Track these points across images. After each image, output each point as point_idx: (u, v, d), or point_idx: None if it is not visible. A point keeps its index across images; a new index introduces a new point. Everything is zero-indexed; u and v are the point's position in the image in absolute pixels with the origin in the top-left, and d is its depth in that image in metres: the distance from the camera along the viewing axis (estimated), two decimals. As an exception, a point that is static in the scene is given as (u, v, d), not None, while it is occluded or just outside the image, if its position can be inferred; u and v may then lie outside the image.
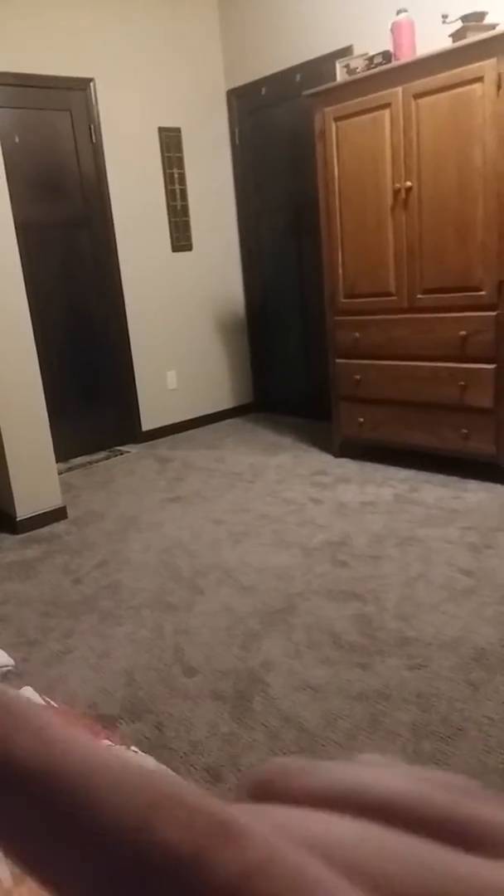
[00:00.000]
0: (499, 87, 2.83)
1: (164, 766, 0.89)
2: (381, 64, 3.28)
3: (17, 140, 3.97)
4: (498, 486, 3.25)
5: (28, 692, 0.97)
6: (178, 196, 4.66)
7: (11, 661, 1.23)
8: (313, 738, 1.72)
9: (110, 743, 0.87)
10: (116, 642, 2.25)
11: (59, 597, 2.60)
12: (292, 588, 2.49)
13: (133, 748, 0.90)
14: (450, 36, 3.10)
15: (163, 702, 1.92)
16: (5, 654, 1.22)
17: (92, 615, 2.44)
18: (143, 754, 0.89)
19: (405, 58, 3.17)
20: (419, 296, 3.31)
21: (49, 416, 3.34)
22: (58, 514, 3.36)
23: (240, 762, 1.66)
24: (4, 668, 1.20)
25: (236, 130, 4.82)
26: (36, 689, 1.13)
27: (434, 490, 3.30)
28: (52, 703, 0.98)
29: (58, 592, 2.64)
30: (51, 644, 2.28)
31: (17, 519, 3.24)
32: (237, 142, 4.84)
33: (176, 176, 4.63)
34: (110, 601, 2.53)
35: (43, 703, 0.95)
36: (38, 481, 3.30)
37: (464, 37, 2.96)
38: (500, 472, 3.26)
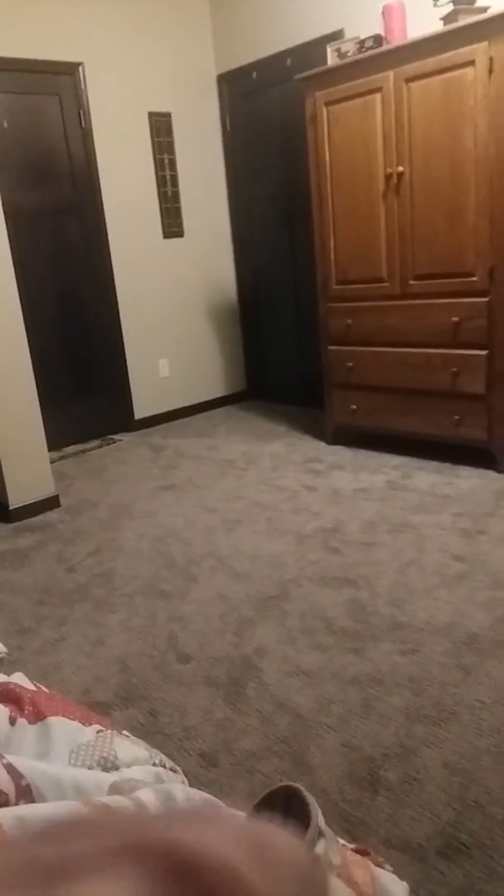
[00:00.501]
0: (490, 71, 2.81)
1: (157, 751, 0.89)
2: (372, 48, 3.26)
3: (5, 125, 3.93)
4: (490, 473, 3.25)
5: (18, 678, 0.97)
6: (169, 182, 4.63)
7: (5, 649, 1.23)
8: (307, 723, 1.73)
9: (101, 728, 0.87)
10: (110, 630, 2.26)
11: (52, 585, 2.60)
12: (286, 575, 2.50)
13: (125, 732, 0.91)
14: (441, 19, 3.07)
15: (157, 688, 1.93)
16: (-2, 642, 1.22)
17: (85, 603, 2.44)
18: (136, 739, 0.89)
19: (396, 41, 3.15)
20: (411, 282, 3.30)
21: (41, 404, 3.32)
22: (51, 503, 3.36)
23: (234, 748, 1.67)
24: (-3, 656, 1.20)
25: (227, 115, 4.78)
26: (29, 677, 1.13)
27: (427, 476, 3.31)
28: (44, 688, 0.98)
29: (51, 581, 2.64)
30: (45, 632, 2.28)
31: (10, 508, 3.23)
32: (228, 127, 4.80)
33: (167, 161, 4.59)
34: (104, 589, 2.53)
35: (33, 688, 0.95)
36: (30, 470, 3.29)
37: (455, 20, 2.93)
38: (492, 459, 3.27)
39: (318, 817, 0.47)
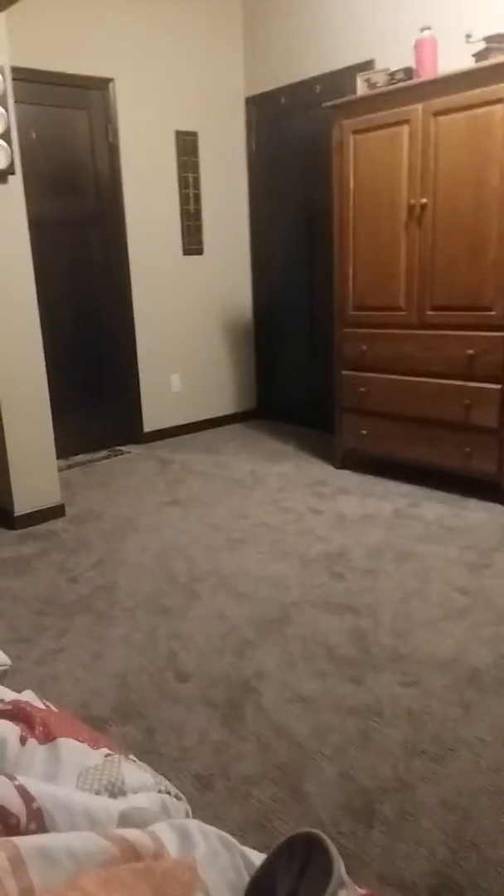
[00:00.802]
0: (518, 110, 2.84)
1: (162, 777, 0.88)
2: (402, 80, 3.30)
3: (34, 136, 3.98)
4: (498, 506, 3.25)
5: (28, 695, 0.97)
6: (192, 200, 4.67)
7: (8, 661, 1.23)
8: (304, 751, 1.72)
9: (109, 752, 0.87)
10: (110, 644, 2.25)
11: (54, 595, 2.60)
12: (288, 598, 2.49)
13: (132, 757, 0.90)
14: (473, 56, 3.12)
15: (154, 706, 1.92)
16: (2, 654, 1.22)
17: (86, 615, 2.44)
18: (142, 764, 0.89)
19: (427, 75, 3.19)
20: (429, 312, 3.32)
21: (52, 412, 3.34)
22: (56, 512, 3.36)
23: (229, 771, 1.66)
24: (2, 668, 1.20)
25: (253, 137, 4.83)
26: (28, 687, 1.13)
27: (434, 507, 3.30)
28: (53, 707, 0.98)
29: (53, 590, 2.63)
30: (44, 642, 2.27)
31: (15, 514, 3.24)
32: (253, 149, 4.85)
33: (191, 180, 4.64)
34: (105, 602, 2.53)
35: (43, 706, 0.95)
36: (37, 477, 3.30)
37: (486, 57, 2.97)
38: (501, 492, 3.26)
39: (340, 867, 0.47)
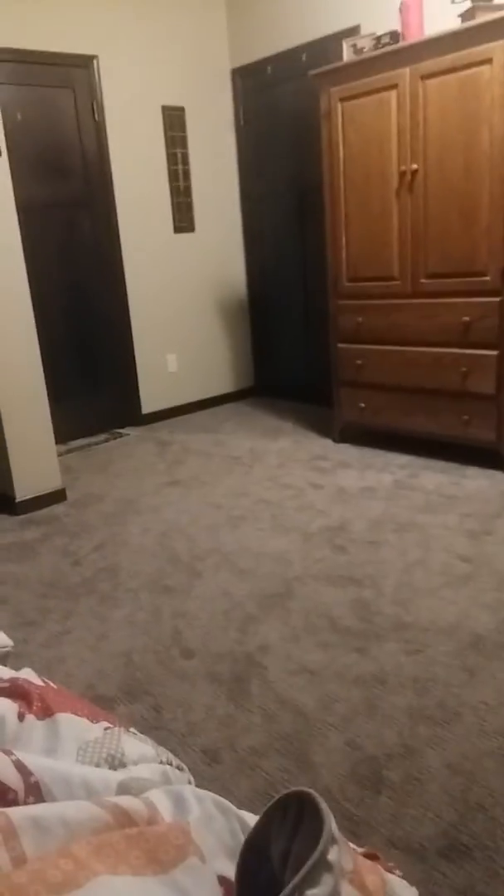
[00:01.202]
0: (507, 70, 2.79)
1: (163, 748, 0.89)
2: (388, 44, 3.24)
3: (18, 117, 3.93)
4: (498, 473, 3.24)
5: (27, 673, 0.98)
6: (181, 176, 4.62)
7: (10, 642, 1.23)
8: (310, 722, 1.73)
9: (109, 725, 0.87)
10: (114, 624, 2.26)
11: (57, 578, 2.61)
12: (290, 572, 2.50)
13: (132, 730, 0.91)
14: (458, 16, 3.06)
15: (160, 683, 1.93)
16: (4, 636, 1.23)
17: (90, 597, 2.45)
18: (143, 736, 0.89)
19: (413, 38, 3.13)
20: (423, 280, 3.29)
21: (49, 397, 3.33)
22: (57, 496, 3.36)
23: (237, 744, 1.67)
24: (4, 649, 1.20)
25: (241, 110, 4.76)
26: (34, 670, 1.13)
27: (434, 476, 3.30)
28: (52, 684, 0.98)
29: (56, 574, 2.64)
30: (49, 625, 2.29)
31: (16, 500, 3.24)
32: (242, 122, 4.78)
33: (179, 156, 4.58)
34: (108, 583, 2.53)
35: (42, 683, 0.95)
36: (37, 463, 3.30)
37: (473, 17, 2.91)
38: (501, 459, 3.26)
39: (332, 824, 0.47)
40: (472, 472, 3.30)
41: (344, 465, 3.59)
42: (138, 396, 4.70)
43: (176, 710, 1.81)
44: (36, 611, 2.38)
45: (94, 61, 4.13)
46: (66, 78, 4.07)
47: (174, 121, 4.51)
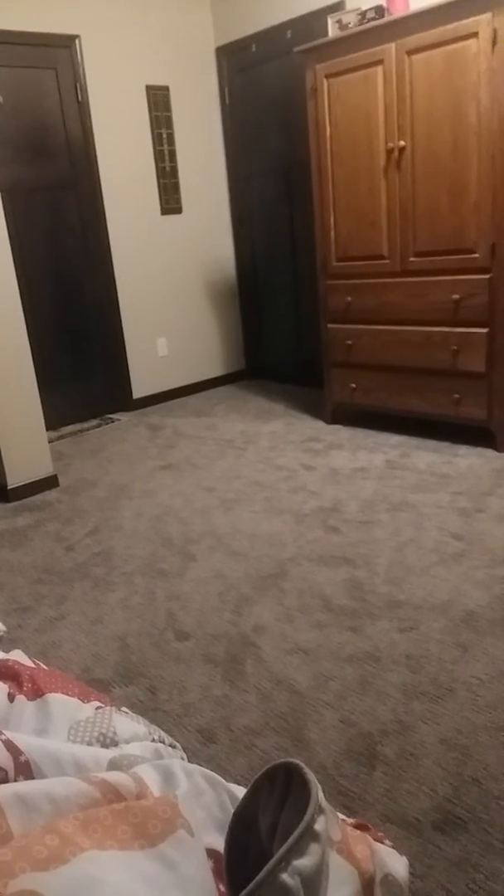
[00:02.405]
0: (494, 43, 2.76)
1: (156, 727, 0.89)
2: (373, 19, 3.20)
3: (0, 100, 3.87)
4: (489, 451, 3.25)
5: (17, 654, 0.97)
6: (167, 157, 4.57)
7: (4, 628, 1.23)
8: (304, 700, 1.74)
9: (100, 704, 0.87)
10: (109, 608, 2.26)
11: (51, 564, 2.61)
12: (284, 554, 2.50)
13: (123, 709, 0.91)
14: (444, -11, 3.01)
15: (155, 666, 1.94)
16: (-4, 620, 1.22)
17: (84, 582, 2.45)
18: (135, 715, 0.89)
19: (399, 12, 3.09)
20: (412, 259, 3.27)
21: (39, 384, 3.31)
22: (49, 483, 3.35)
23: (232, 724, 1.68)
24: (-4, 634, 1.20)
25: (226, 89, 4.70)
26: (29, 655, 1.13)
27: (425, 455, 3.30)
28: (43, 665, 0.98)
29: (50, 560, 2.64)
30: (44, 610, 2.29)
31: (8, 487, 3.23)
32: (227, 101, 4.73)
33: (164, 136, 4.53)
34: (102, 568, 2.53)
35: (32, 665, 0.95)
36: (28, 450, 3.28)
37: (459, -10, 2.87)
38: (492, 437, 3.26)
39: (319, 793, 0.47)
40: (464, 450, 3.31)
41: (336, 446, 3.59)
42: (129, 381, 4.68)
43: (171, 692, 1.82)
44: (30, 596, 2.38)
45: (77, 41, 4.06)
46: (49, 58, 4.01)
47: (159, 100, 4.46)
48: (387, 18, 3.08)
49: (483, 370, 3.15)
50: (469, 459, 3.19)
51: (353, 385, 3.70)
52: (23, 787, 0.50)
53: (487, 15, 2.76)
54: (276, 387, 4.96)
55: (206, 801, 0.58)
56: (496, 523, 2.56)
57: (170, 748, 0.84)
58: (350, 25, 3.31)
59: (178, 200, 4.67)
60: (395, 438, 3.58)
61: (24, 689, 0.82)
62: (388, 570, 2.32)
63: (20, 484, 3.26)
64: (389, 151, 3.21)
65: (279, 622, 2.09)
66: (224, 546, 2.61)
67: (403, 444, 3.48)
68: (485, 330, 3.10)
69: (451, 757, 1.52)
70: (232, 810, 0.58)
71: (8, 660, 0.90)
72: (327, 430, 3.84)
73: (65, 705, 0.81)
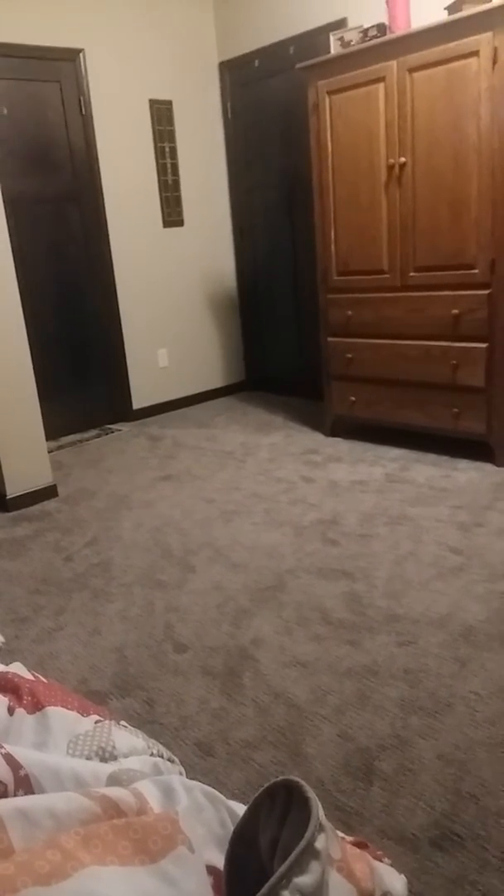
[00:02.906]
0: (494, 62, 2.80)
1: (154, 741, 0.89)
2: (375, 37, 3.23)
3: (4, 112, 3.90)
4: (488, 465, 3.26)
5: (17, 667, 0.98)
6: (170, 170, 4.60)
7: (2, 639, 1.23)
8: (302, 714, 1.74)
9: (100, 718, 0.87)
10: (107, 619, 2.26)
11: (49, 574, 2.60)
12: (283, 566, 2.50)
13: (123, 723, 0.91)
14: (445, 9, 3.05)
15: (153, 678, 1.93)
16: (-5, 631, 1.22)
17: (83, 593, 2.45)
18: (134, 729, 0.89)
19: (400, 31, 3.12)
20: (412, 274, 3.29)
21: (39, 394, 3.32)
22: (48, 493, 3.36)
23: (230, 737, 1.68)
24: (-6, 645, 1.20)
25: (229, 104, 4.75)
26: (26, 666, 1.13)
27: (425, 469, 3.31)
28: (42, 678, 0.98)
29: (49, 570, 2.64)
30: (42, 621, 2.28)
31: (8, 497, 3.23)
32: (230, 115, 4.77)
33: (167, 150, 4.57)
34: (101, 579, 2.53)
35: (32, 677, 0.95)
36: (28, 459, 3.29)
37: (459, 9, 2.91)
38: (491, 452, 3.27)
39: (319, 811, 0.48)
40: (463, 464, 3.32)
41: (335, 458, 3.59)
42: (129, 392, 4.69)
43: (169, 704, 1.82)
44: (28, 607, 2.38)
45: (81, 55, 4.10)
46: (53, 72, 4.05)
47: (162, 114, 4.50)
48: (388, 36, 3.12)
49: (482, 385, 3.16)
50: (468, 473, 3.20)
51: (353, 398, 3.71)
52: (24, 801, 0.50)
53: (488, 34, 2.79)
54: (276, 399, 4.97)
55: (207, 818, 0.58)
56: (495, 537, 2.56)
57: (168, 762, 0.84)
58: (352, 43, 3.34)
59: (180, 213, 4.70)
60: (395, 452, 3.59)
61: (24, 702, 0.82)
62: (386, 583, 2.32)
63: (19, 494, 3.26)
64: (390, 167, 3.23)
65: (278, 635, 2.08)
66: (223, 558, 2.61)
67: (403, 458, 3.49)
68: (484, 345, 3.11)
69: (449, 773, 1.52)
70: (232, 827, 0.58)
71: (7, 672, 0.90)
72: (327, 443, 3.85)
73: (64, 719, 0.82)
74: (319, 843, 0.46)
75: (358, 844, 0.65)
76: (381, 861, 0.64)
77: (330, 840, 0.49)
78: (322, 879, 0.46)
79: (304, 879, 0.44)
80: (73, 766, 0.66)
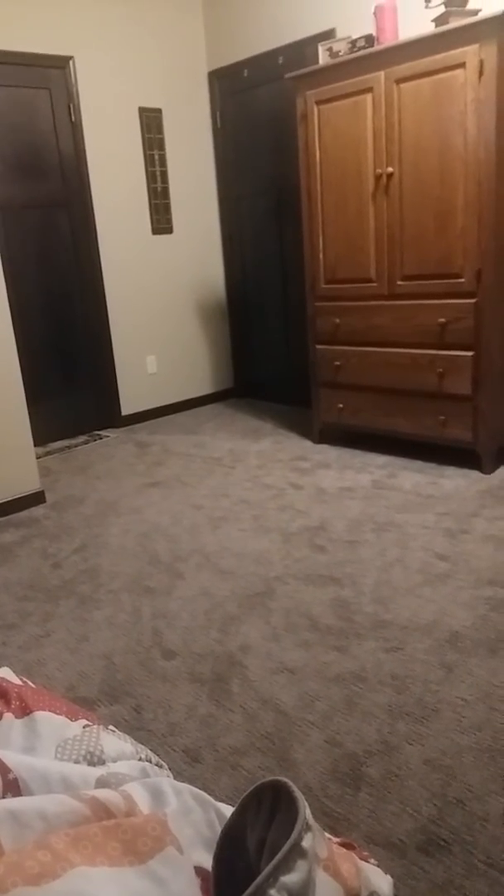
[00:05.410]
0: (480, 74, 2.83)
1: (143, 746, 0.89)
2: (363, 48, 3.27)
3: (-6, 118, 3.90)
4: (474, 473, 3.28)
5: (5, 672, 0.98)
6: (159, 178, 4.62)
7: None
8: (290, 720, 1.74)
9: (88, 723, 0.87)
10: (95, 626, 2.25)
11: (37, 581, 2.59)
12: (271, 572, 2.51)
13: (111, 727, 0.91)
14: (432, 21, 3.09)
15: (141, 684, 1.93)
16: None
17: (70, 599, 2.44)
18: (122, 734, 0.90)
19: (388, 42, 3.16)
20: (399, 282, 3.32)
21: (27, 399, 3.31)
22: (36, 499, 3.35)
23: (218, 744, 1.68)
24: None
25: (218, 112, 4.77)
26: (14, 672, 1.13)
27: (412, 476, 3.33)
28: (31, 683, 0.98)
29: (36, 576, 2.63)
30: (29, 628, 2.27)
31: (-5, 503, 3.22)
32: (219, 124, 4.79)
33: (157, 157, 4.58)
34: (89, 585, 2.53)
35: (20, 682, 0.95)
36: (16, 465, 3.28)
37: (446, 22, 2.95)
38: (477, 459, 3.30)
39: (306, 811, 0.48)
40: (450, 471, 3.34)
41: (323, 465, 3.61)
42: (118, 398, 4.69)
43: (157, 711, 1.82)
44: (15, 613, 2.37)
45: (71, 62, 4.11)
46: (42, 79, 4.06)
47: (151, 122, 4.51)
48: (376, 47, 3.15)
49: (469, 393, 3.19)
50: (455, 480, 3.22)
51: (341, 405, 3.73)
52: (14, 803, 0.51)
53: (475, 46, 2.82)
54: (264, 405, 4.98)
55: (195, 819, 0.58)
56: (481, 544, 2.58)
57: (156, 767, 0.84)
58: (340, 53, 3.37)
59: (170, 220, 4.72)
60: (382, 459, 3.61)
61: (12, 706, 0.82)
62: (374, 589, 2.33)
63: (7, 499, 3.25)
64: (378, 177, 3.26)
65: (265, 641, 2.09)
66: (211, 564, 2.61)
67: (390, 465, 3.51)
68: (470, 353, 3.14)
69: (436, 778, 1.52)
70: (220, 828, 0.59)
71: (-5, 678, 0.90)
72: (315, 450, 3.87)
73: (52, 723, 0.82)
74: (306, 842, 0.47)
75: (345, 845, 0.66)
76: (367, 861, 0.65)
77: (317, 839, 0.49)
78: (309, 878, 0.46)
79: (291, 878, 0.45)
80: (62, 769, 0.66)
